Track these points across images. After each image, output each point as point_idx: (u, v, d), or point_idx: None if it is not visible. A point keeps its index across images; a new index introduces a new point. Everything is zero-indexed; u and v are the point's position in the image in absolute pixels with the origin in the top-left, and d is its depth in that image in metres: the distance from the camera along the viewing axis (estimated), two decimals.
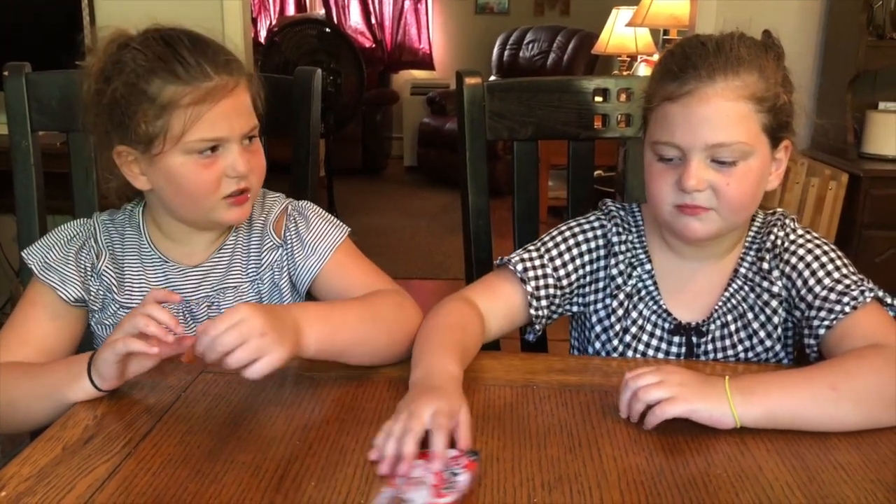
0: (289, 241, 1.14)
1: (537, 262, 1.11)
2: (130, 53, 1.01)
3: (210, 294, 1.12)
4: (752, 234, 1.11)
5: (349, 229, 1.17)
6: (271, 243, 1.14)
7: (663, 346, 1.11)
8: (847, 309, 0.99)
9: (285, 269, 1.14)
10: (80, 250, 1.11)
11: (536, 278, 1.10)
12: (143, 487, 0.75)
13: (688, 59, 0.99)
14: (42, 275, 1.08)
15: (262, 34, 6.42)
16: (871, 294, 1.00)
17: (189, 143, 1.01)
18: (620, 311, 1.11)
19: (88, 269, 1.10)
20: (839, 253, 1.07)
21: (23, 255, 1.11)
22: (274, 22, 6.53)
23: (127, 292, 1.10)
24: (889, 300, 1.02)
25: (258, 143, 1.09)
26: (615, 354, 1.12)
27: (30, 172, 1.36)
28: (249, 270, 1.13)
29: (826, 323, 1.00)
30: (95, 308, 1.10)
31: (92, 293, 1.10)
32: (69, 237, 1.12)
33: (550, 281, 1.11)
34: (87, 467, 0.79)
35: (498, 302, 1.10)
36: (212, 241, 1.13)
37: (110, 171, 1.08)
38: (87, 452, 0.82)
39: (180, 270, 1.12)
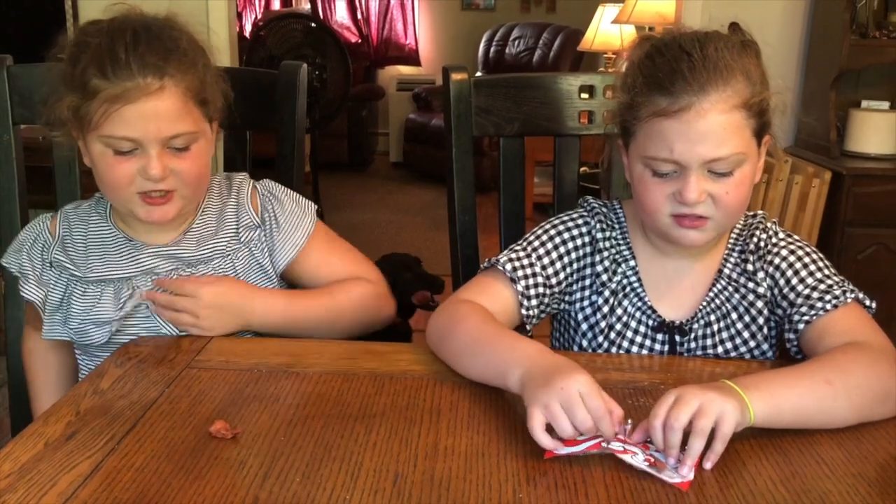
0: (267, 223, 1.17)
1: (525, 262, 1.10)
2: (79, 43, 1.04)
3: (180, 268, 1.13)
4: (734, 235, 1.11)
5: (316, 207, 1.22)
6: (249, 221, 1.17)
7: (647, 343, 1.11)
8: (828, 306, 1.00)
9: (265, 248, 1.17)
10: (33, 247, 1.15)
11: (525, 277, 1.09)
12: (127, 483, 0.75)
13: (676, 71, 0.96)
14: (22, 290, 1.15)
15: (248, 29, 6.38)
16: (853, 295, 1.02)
17: (103, 138, 1.03)
18: (606, 308, 1.11)
19: (45, 261, 1.14)
20: (821, 255, 1.08)
21: (4, 264, 1.16)
22: (259, 16, 6.50)
23: (92, 268, 1.12)
24: (868, 302, 1.03)
25: (196, 149, 1.08)
26: (600, 352, 1.12)
27: (11, 167, 1.35)
28: (221, 246, 1.15)
29: (806, 318, 1.01)
30: (56, 296, 1.12)
31: (52, 282, 1.13)
32: (33, 239, 1.16)
33: (539, 280, 1.10)
34: (69, 463, 0.78)
35: (495, 303, 1.07)
36: (174, 227, 1.15)
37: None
38: (69, 448, 0.81)
39: (147, 248, 1.13)
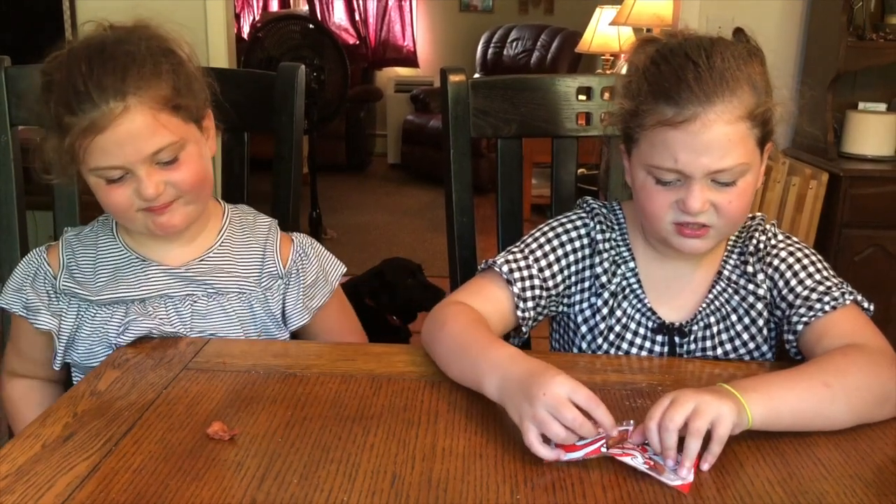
0: (290, 278, 1.17)
1: (522, 264, 1.10)
2: (45, 83, 1.02)
3: (195, 292, 1.12)
4: (733, 237, 1.11)
5: (344, 270, 1.23)
6: (274, 270, 1.17)
7: (647, 344, 1.11)
8: (827, 308, 1.01)
9: (280, 299, 1.17)
10: (35, 281, 1.13)
11: (522, 279, 1.09)
12: (124, 485, 0.75)
13: (681, 80, 0.95)
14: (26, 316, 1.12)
15: (246, 30, 6.38)
16: (851, 297, 1.02)
17: (91, 171, 1.03)
18: (605, 310, 1.11)
19: (51, 293, 1.12)
20: (820, 257, 1.09)
21: (2, 305, 1.14)
22: (257, 18, 6.50)
23: (103, 290, 1.10)
24: (866, 304, 1.03)
25: (185, 156, 1.05)
26: (600, 354, 1.12)
27: (9, 168, 1.35)
28: (241, 283, 1.15)
29: (805, 319, 1.01)
30: (68, 324, 1.11)
31: (64, 311, 1.11)
32: (33, 273, 1.13)
33: (536, 282, 1.09)
34: (66, 465, 0.78)
35: (489, 305, 1.07)
36: (186, 242, 1.14)
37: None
38: (66, 450, 0.81)
39: (161, 269, 1.12)
